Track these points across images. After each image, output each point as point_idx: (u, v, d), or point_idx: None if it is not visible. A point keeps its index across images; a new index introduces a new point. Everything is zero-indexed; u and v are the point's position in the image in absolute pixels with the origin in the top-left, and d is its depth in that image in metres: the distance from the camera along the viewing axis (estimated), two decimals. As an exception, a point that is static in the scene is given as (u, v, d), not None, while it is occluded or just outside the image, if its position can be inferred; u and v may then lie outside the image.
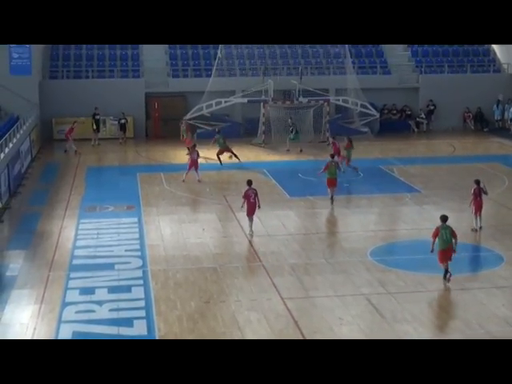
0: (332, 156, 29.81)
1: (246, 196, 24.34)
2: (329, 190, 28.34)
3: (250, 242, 23.73)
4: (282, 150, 39.53)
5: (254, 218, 24.65)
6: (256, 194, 24.38)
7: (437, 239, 20.02)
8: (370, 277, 20.45)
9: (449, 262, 19.92)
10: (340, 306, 18.56)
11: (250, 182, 24.74)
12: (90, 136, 41.70)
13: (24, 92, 40.20)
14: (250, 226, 24.35)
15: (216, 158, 35.66)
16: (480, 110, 45.93)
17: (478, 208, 24.58)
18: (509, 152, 40.03)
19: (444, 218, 20.53)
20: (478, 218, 24.65)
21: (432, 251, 20.10)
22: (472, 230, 24.51)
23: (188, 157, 33.07)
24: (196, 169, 32.05)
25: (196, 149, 32.58)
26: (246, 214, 24.54)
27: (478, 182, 24.75)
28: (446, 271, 20.00)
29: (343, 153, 33.51)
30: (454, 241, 19.96)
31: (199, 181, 31.92)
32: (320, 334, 16.83)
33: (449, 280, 19.93)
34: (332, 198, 28.09)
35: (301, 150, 39.10)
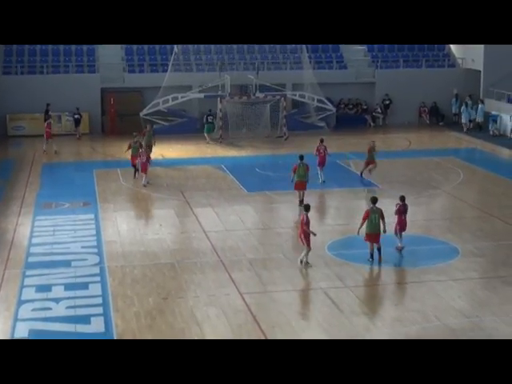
0: (301, 158, 27.60)
1: (302, 221, 21.09)
2: (297, 193, 27.11)
3: (208, 237, 23.63)
4: (240, 145, 39.57)
5: (213, 213, 24.44)
6: (308, 221, 20.89)
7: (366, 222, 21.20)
8: (327, 271, 20.51)
9: (375, 245, 21.10)
10: (298, 300, 18.61)
11: (307, 208, 21.30)
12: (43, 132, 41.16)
13: (-23, 88, 39.66)
14: (305, 255, 21.03)
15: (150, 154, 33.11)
16: (435, 104, 46.32)
17: (403, 227, 22.17)
18: (464, 146, 40.47)
19: (374, 200, 21.50)
20: (400, 236, 22.13)
21: (358, 233, 21.39)
22: (397, 248, 22.07)
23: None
24: (144, 171, 30.43)
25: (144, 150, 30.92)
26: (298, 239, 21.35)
27: (403, 199, 22.43)
28: (372, 254, 21.11)
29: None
30: (382, 223, 21.14)
31: (144, 185, 30.21)
32: (279, 329, 16.86)
33: (369, 260, 21.12)
34: (302, 201, 26.32)
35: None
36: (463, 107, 44.20)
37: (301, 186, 27.11)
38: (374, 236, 21.12)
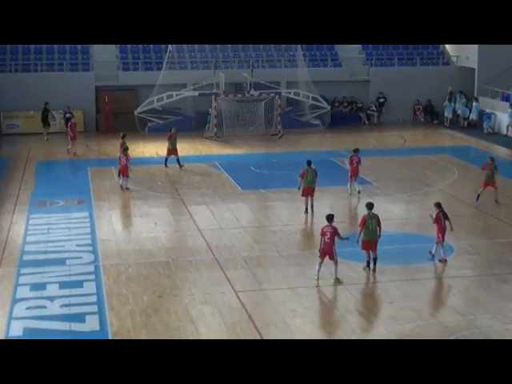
0: (309, 163, 26.28)
1: (323, 233, 19.97)
2: (304, 199, 26.11)
3: (203, 235, 23.62)
4: (235, 143, 39.58)
5: (207, 211, 24.28)
6: (335, 232, 19.87)
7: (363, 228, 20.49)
8: (322, 269, 20.46)
9: (371, 254, 20.36)
10: (293, 298, 18.61)
11: (329, 218, 20.27)
12: (38, 130, 41.13)
13: (-29, 86, 39.56)
14: (318, 271, 19.85)
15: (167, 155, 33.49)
16: (430, 102, 46.39)
17: (444, 235, 21.25)
18: (458, 143, 40.50)
19: (370, 206, 20.76)
20: (442, 246, 21.26)
21: (358, 241, 20.53)
22: (441, 260, 21.16)
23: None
24: (125, 175, 29.59)
25: (127, 152, 30.19)
26: (318, 255, 20.00)
27: (439, 205, 21.56)
28: (369, 262, 20.45)
29: None
30: (378, 230, 20.33)
31: (127, 188, 29.47)
32: (273, 327, 16.87)
33: (364, 269, 20.43)
34: (306, 208, 25.97)
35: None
36: (446, 102, 44.70)
37: (308, 191, 26.05)
38: (371, 243, 20.31)
